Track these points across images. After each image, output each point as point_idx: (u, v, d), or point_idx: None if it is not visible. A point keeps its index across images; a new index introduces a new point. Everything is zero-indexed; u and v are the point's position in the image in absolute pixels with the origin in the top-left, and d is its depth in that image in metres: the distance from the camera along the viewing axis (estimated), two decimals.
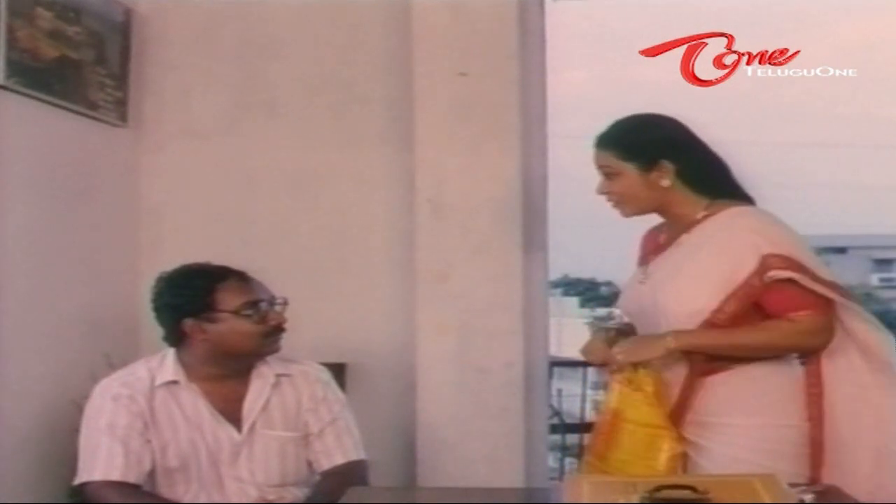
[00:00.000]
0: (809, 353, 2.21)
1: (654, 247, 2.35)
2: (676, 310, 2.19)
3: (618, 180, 2.26)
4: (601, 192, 2.30)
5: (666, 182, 2.24)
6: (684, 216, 2.27)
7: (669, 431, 2.14)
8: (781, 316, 2.17)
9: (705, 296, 2.17)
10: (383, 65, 3.20)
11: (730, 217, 2.23)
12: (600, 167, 2.29)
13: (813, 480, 2.13)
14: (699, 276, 2.19)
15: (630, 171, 2.25)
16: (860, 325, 2.20)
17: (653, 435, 2.15)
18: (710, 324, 2.17)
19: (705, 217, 2.25)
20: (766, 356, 2.20)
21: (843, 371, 2.20)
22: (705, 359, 2.19)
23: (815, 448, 2.19)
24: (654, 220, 2.37)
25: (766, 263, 2.14)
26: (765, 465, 2.02)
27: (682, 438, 2.16)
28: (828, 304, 2.17)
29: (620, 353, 2.22)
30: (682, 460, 2.16)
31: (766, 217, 2.25)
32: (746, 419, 2.16)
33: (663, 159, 2.24)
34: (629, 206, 2.29)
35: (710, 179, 2.26)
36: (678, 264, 2.24)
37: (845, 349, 2.20)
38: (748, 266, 2.15)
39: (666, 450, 2.13)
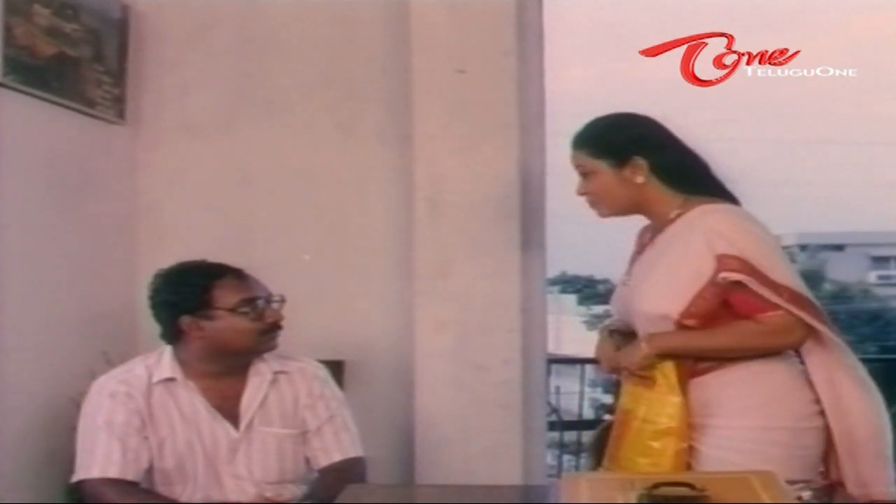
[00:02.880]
0: (786, 351, 2.20)
1: (639, 247, 2.36)
2: (649, 311, 2.19)
3: (592, 179, 2.26)
4: (579, 192, 2.30)
5: (640, 179, 2.23)
6: (661, 215, 2.26)
7: (676, 428, 2.13)
8: (749, 316, 2.15)
9: (672, 297, 2.16)
10: (381, 62, 3.19)
11: (696, 216, 2.21)
12: (576, 167, 2.29)
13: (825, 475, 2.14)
14: (666, 277, 2.18)
15: (603, 168, 2.24)
16: (821, 327, 2.17)
17: (658, 432, 2.15)
18: (680, 325, 2.16)
19: (678, 216, 2.24)
20: (741, 356, 2.17)
21: (820, 371, 2.19)
22: (692, 359, 2.18)
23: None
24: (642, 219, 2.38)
25: (720, 264, 2.13)
26: (750, 468, 1.96)
27: (687, 435, 2.14)
28: (797, 303, 2.14)
29: (603, 363, 2.28)
30: (689, 457, 2.15)
31: (732, 216, 2.22)
32: (734, 421, 2.15)
33: (635, 155, 2.22)
34: (605, 205, 2.28)
35: (686, 176, 2.24)
36: (650, 266, 2.25)
37: (818, 350, 2.19)
38: (709, 266, 2.14)
39: (670, 447, 2.13)
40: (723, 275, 2.13)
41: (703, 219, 2.20)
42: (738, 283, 2.13)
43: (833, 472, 2.17)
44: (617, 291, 2.37)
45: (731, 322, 2.17)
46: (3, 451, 2.66)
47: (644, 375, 2.19)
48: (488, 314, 3.03)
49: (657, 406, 2.16)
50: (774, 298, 2.12)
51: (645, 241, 2.33)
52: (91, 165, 3.08)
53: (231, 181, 3.27)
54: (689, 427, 2.16)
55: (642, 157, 2.22)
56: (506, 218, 3.05)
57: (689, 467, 2.15)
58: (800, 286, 2.18)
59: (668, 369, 2.16)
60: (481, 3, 3.05)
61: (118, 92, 3.14)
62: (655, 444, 2.15)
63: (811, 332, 2.17)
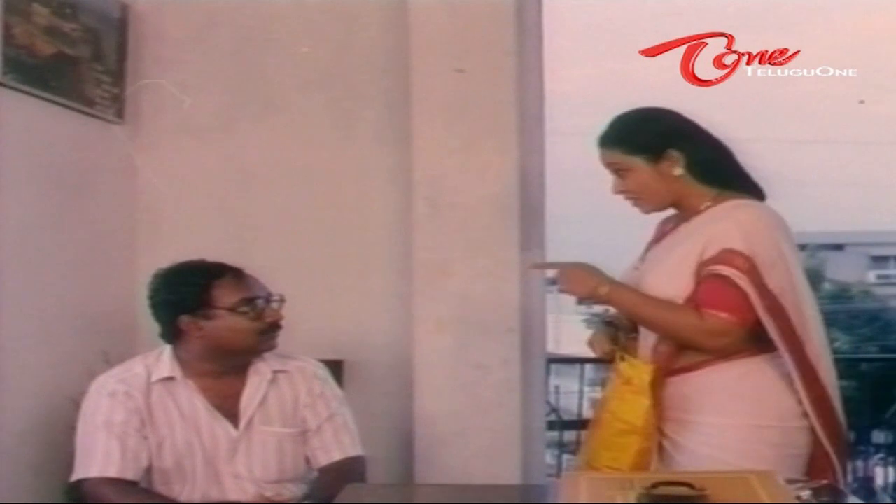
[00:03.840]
0: (771, 350, 2.19)
1: (659, 235, 2.35)
2: (657, 293, 2.19)
3: (630, 176, 2.24)
4: (617, 191, 2.27)
5: (678, 171, 2.22)
6: (693, 207, 2.25)
7: (641, 427, 2.15)
8: (698, 307, 2.15)
9: (681, 282, 2.16)
10: (380, 61, 3.19)
11: (726, 209, 2.21)
12: (609, 166, 2.26)
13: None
14: (680, 262, 2.19)
15: (640, 164, 2.23)
16: (778, 340, 2.17)
17: (623, 429, 2.17)
18: None
19: (708, 208, 2.23)
20: (670, 337, 2.18)
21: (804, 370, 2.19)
22: (676, 355, 2.19)
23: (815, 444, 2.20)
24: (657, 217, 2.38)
25: (720, 257, 2.13)
26: (739, 466, 2.00)
27: (653, 436, 2.16)
28: (749, 314, 2.13)
29: (595, 349, 2.29)
30: (653, 457, 2.17)
31: (760, 211, 2.22)
32: (721, 418, 2.15)
33: (670, 149, 2.22)
34: (647, 201, 2.27)
35: (718, 169, 2.25)
36: (668, 251, 2.25)
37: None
38: (710, 254, 2.15)
39: (633, 445, 2.15)
40: (712, 267, 2.13)
41: (731, 212, 2.20)
42: (719, 275, 2.13)
43: (827, 468, 2.18)
44: (623, 276, 2.35)
45: (682, 305, 2.17)
46: (2, 451, 2.66)
47: (612, 359, 2.23)
48: (488, 314, 3.03)
49: (628, 403, 2.17)
50: (754, 299, 2.11)
51: (666, 230, 2.32)
52: (90, 165, 3.08)
53: (231, 181, 3.27)
54: (676, 423, 2.18)
55: (677, 150, 2.22)
56: (505, 217, 3.04)
57: (660, 462, 2.17)
58: (792, 300, 2.15)
59: (645, 371, 2.17)
60: (481, 3, 3.05)
61: (117, 91, 3.14)
62: (619, 440, 2.17)
63: (750, 339, 2.16)
